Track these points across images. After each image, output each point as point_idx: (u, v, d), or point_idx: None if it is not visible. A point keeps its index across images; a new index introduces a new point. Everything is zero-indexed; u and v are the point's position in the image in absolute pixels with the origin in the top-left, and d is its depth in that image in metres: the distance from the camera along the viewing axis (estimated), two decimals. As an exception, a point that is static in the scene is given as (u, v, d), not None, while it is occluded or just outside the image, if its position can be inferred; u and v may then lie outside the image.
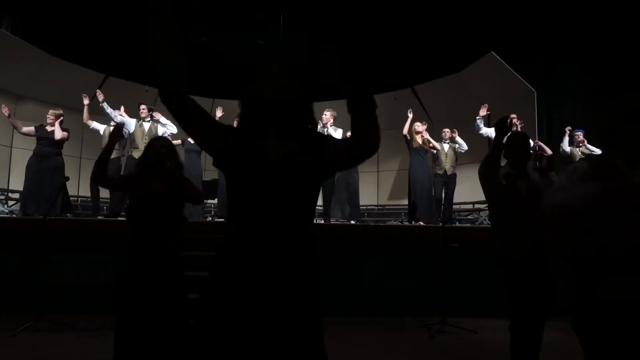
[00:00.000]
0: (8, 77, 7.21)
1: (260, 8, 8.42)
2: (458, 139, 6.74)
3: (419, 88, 8.85)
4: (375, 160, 9.36)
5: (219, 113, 6.78)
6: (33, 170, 5.67)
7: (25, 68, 7.34)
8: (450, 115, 8.49)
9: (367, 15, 8.20)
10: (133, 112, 6.55)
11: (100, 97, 6.24)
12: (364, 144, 1.23)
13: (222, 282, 1.19)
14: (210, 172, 7.25)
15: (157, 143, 2.59)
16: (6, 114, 5.80)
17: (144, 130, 6.32)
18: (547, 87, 7.65)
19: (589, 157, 1.71)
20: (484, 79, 7.70)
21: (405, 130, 6.63)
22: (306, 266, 1.21)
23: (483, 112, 6.38)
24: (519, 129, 5.98)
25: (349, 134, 5.52)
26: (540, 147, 6.27)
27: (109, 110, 6.28)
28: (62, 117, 5.83)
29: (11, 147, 7.36)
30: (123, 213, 6.11)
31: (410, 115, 6.64)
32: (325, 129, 6.34)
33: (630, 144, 1.49)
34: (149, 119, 6.39)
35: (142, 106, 6.41)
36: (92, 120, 6.40)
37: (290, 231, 1.20)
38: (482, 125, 6.37)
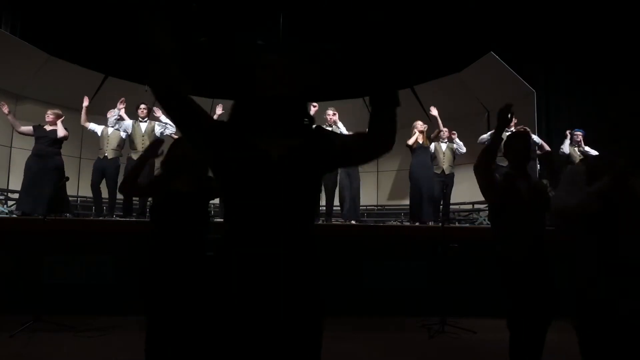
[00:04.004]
0: (8, 77, 7.21)
1: (260, 8, 8.42)
2: (457, 140, 6.75)
3: (418, 88, 8.85)
4: (374, 160, 9.36)
5: (219, 110, 6.72)
6: (32, 170, 5.65)
7: (25, 68, 7.34)
8: (450, 116, 8.48)
9: (366, 15, 8.19)
10: (130, 113, 6.55)
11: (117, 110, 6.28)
12: (381, 140, 1.24)
13: (223, 283, 1.18)
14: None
15: (184, 143, 2.52)
16: (5, 111, 5.79)
17: (141, 130, 6.30)
18: (546, 87, 7.66)
19: (586, 158, 1.72)
20: (484, 79, 7.70)
21: (411, 142, 6.57)
22: (307, 266, 1.19)
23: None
24: (515, 129, 6.01)
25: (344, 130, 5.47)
26: (540, 146, 6.27)
27: (113, 117, 6.28)
28: (62, 117, 5.83)
29: (11, 147, 7.36)
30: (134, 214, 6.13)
31: (417, 130, 6.59)
32: (330, 128, 6.36)
33: (630, 141, 1.48)
34: (146, 119, 6.38)
35: (142, 106, 6.38)
36: (90, 122, 6.40)
37: (292, 231, 1.18)
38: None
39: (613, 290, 1.41)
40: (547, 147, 6.37)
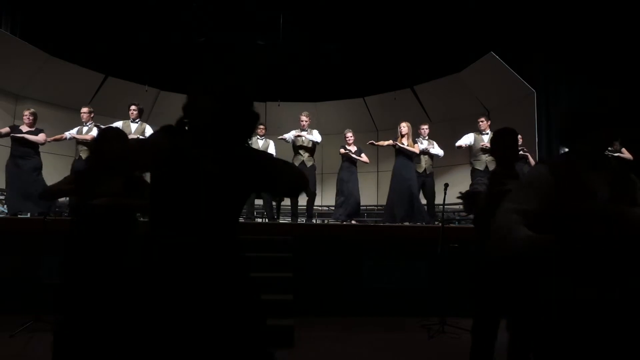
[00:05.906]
0: (8, 77, 7.20)
1: (260, 8, 8.41)
2: (434, 150, 6.65)
3: (418, 88, 8.85)
4: (374, 160, 9.35)
5: None
6: (13, 171, 5.63)
7: (25, 68, 7.33)
8: (450, 115, 8.49)
9: (367, 15, 8.20)
10: (122, 113, 6.54)
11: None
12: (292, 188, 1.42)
13: (144, 277, 1.23)
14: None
15: (109, 134, 2.23)
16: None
17: (131, 131, 6.17)
18: (546, 87, 7.65)
19: (546, 159, 1.73)
20: (484, 79, 7.69)
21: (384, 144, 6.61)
22: (229, 271, 1.25)
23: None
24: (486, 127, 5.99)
25: (318, 138, 5.61)
26: (525, 156, 6.06)
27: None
28: (43, 132, 5.79)
29: (10, 147, 7.34)
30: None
31: (400, 132, 6.52)
32: (305, 132, 6.48)
33: (587, 146, 1.49)
34: (138, 120, 6.31)
35: (133, 107, 6.29)
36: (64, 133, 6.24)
37: (211, 236, 1.24)
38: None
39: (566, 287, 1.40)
40: (532, 161, 6.16)
